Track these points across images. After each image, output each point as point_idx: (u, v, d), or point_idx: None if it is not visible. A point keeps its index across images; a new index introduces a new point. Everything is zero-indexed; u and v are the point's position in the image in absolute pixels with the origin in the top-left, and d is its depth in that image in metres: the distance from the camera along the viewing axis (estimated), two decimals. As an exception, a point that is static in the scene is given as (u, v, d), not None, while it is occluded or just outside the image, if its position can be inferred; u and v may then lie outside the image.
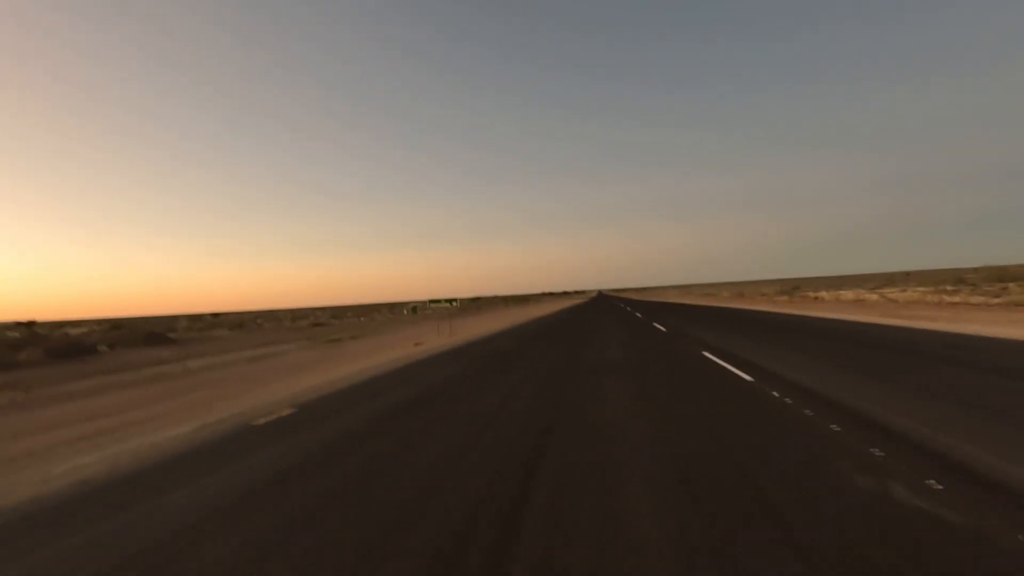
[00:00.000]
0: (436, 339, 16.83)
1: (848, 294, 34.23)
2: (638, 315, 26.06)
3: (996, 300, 19.11)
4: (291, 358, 16.68)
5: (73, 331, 41.87)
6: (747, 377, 6.81)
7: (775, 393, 5.94)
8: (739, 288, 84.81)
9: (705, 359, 8.60)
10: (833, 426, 4.49)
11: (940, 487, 3.04)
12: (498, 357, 10.53)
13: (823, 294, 35.95)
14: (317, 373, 10.98)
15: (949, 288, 32.81)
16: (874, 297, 29.29)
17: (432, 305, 18.99)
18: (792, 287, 57.98)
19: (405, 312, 69.09)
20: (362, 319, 54.28)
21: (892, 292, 32.83)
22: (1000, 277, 36.87)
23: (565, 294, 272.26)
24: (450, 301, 18.78)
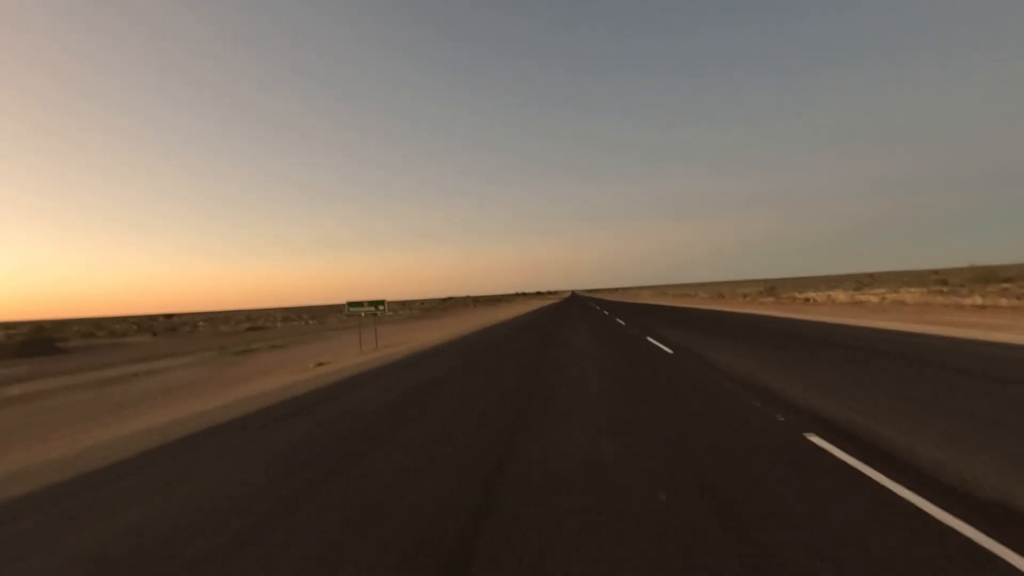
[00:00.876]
0: (351, 356, 12.56)
1: (839, 295, 31.57)
2: (619, 322, 21.39)
3: (1038, 303, 16.11)
4: (158, 380, 12.19)
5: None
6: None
7: None
8: (712, 289, 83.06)
9: (822, 457, 3.67)
10: None
11: None
12: (398, 406, 6.24)
13: (814, 295, 33.19)
14: (126, 421, 6.67)
15: (944, 289, 30.61)
16: (872, 299, 26.48)
17: (351, 310, 14.53)
18: (767, 288, 55.91)
19: (363, 314, 63.94)
20: (311, 322, 49.11)
21: (887, 293, 30.31)
22: (987, 278, 35.12)
23: (538, 294, 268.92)
24: (375, 305, 14.36)
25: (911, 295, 27.01)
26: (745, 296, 42.39)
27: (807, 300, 31.87)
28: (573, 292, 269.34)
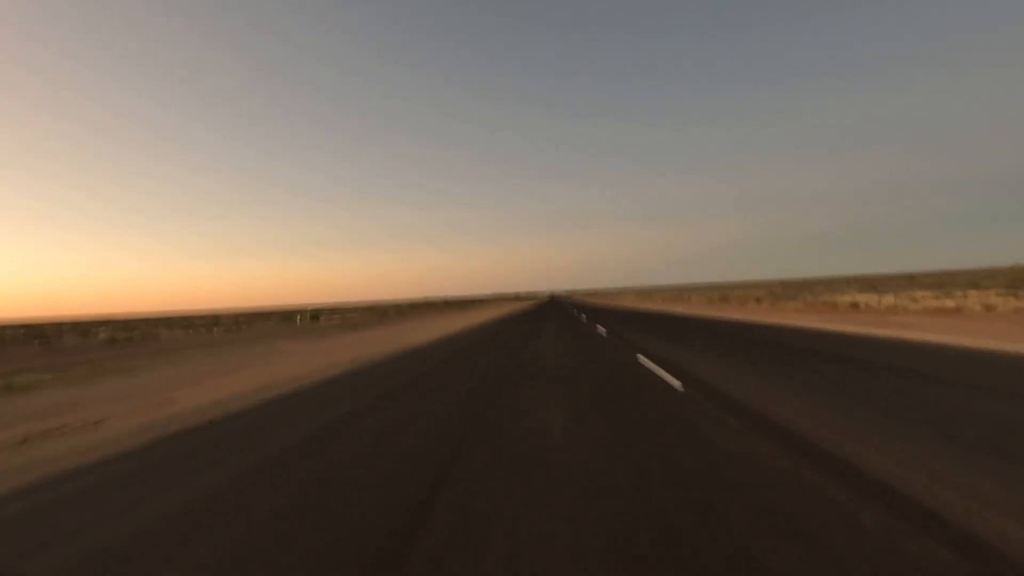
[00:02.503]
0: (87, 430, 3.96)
1: (892, 299, 24.06)
2: (645, 362, 9.22)
3: None
4: None
5: None
6: None
7: None
8: (701, 292, 76.09)
9: None
10: None
11: None
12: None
13: (861, 300, 25.59)
14: None
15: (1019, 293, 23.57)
16: (971, 306, 18.88)
17: None
18: (768, 292, 49.21)
19: (298, 321, 54.54)
20: (216, 331, 39.53)
21: (940, 298, 22.97)
22: (1035, 280, 28.56)
23: (516, 297, 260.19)
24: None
25: (1002, 300, 19.63)
26: (758, 300, 34.85)
27: (854, 306, 24.27)
28: (552, 296, 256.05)
